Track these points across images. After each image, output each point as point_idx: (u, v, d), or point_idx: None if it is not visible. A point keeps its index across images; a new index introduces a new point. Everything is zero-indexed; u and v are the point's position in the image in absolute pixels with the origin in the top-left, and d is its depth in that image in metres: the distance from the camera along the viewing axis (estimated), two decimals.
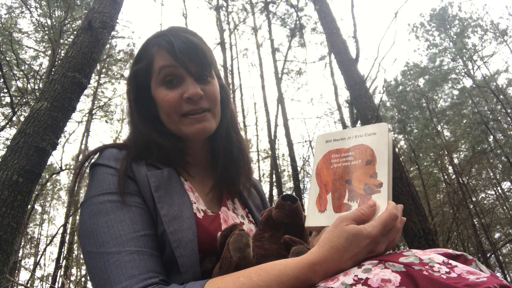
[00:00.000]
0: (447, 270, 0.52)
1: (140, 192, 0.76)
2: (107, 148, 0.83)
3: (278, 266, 0.60)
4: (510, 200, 15.75)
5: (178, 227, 0.72)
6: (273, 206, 0.80)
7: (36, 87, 6.22)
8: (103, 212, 0.71)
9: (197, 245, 0.73)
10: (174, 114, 0.83)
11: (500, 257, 13.89)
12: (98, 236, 0.68)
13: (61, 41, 7.32)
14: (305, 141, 11.42)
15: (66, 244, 9.90)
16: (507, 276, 13.88)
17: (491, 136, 14.16)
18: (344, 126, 10.28)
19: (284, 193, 0.79)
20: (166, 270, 0.71)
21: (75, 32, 6.34)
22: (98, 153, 0.84)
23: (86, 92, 7.50)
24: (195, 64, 0.82)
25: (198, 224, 0.77)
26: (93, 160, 0.83)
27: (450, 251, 0.61)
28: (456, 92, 17.66)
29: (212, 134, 0.88)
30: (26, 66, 8.38)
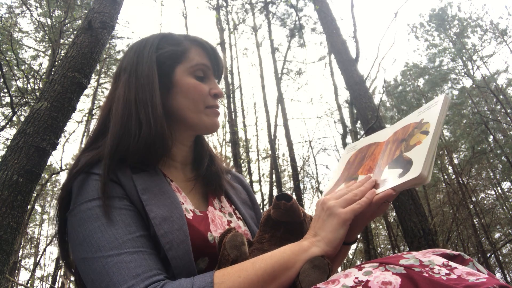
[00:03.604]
0: (447, 271, 0.53)
1: (128, 195, 0.74)
2: (98, 161, 0.78)
3: (279, 251, 0.68)
4: (510, 200, 15.77)
5: (169, 228, 0.71)
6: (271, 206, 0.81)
7: (36, 87, 6.22)
8: (93, 217, 0.69)
9: (190, 246, 0.72)
10: (201, 103, 0.86)
11: (500, 257, 13.90)
12: (92, 241, 0.67)
13: (61, 41, 7.31)
14: (305, 141, 11.42)
15: None
16: (507, 276, 13.89)
17: (491, 136, 14.18)
18: (344, 126, 10.27)
19: (279, 193, 0.81)
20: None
21: (75, 32, 6.34)
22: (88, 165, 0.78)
23: (86, 92, 7.50)
24: (220, 71, 0.95)
25: (188, 224, 0.76)
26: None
27: (448, 251, 0.61)
28: (455, 92, 17.69)
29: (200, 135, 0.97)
30: (26, 66, 8.37)
